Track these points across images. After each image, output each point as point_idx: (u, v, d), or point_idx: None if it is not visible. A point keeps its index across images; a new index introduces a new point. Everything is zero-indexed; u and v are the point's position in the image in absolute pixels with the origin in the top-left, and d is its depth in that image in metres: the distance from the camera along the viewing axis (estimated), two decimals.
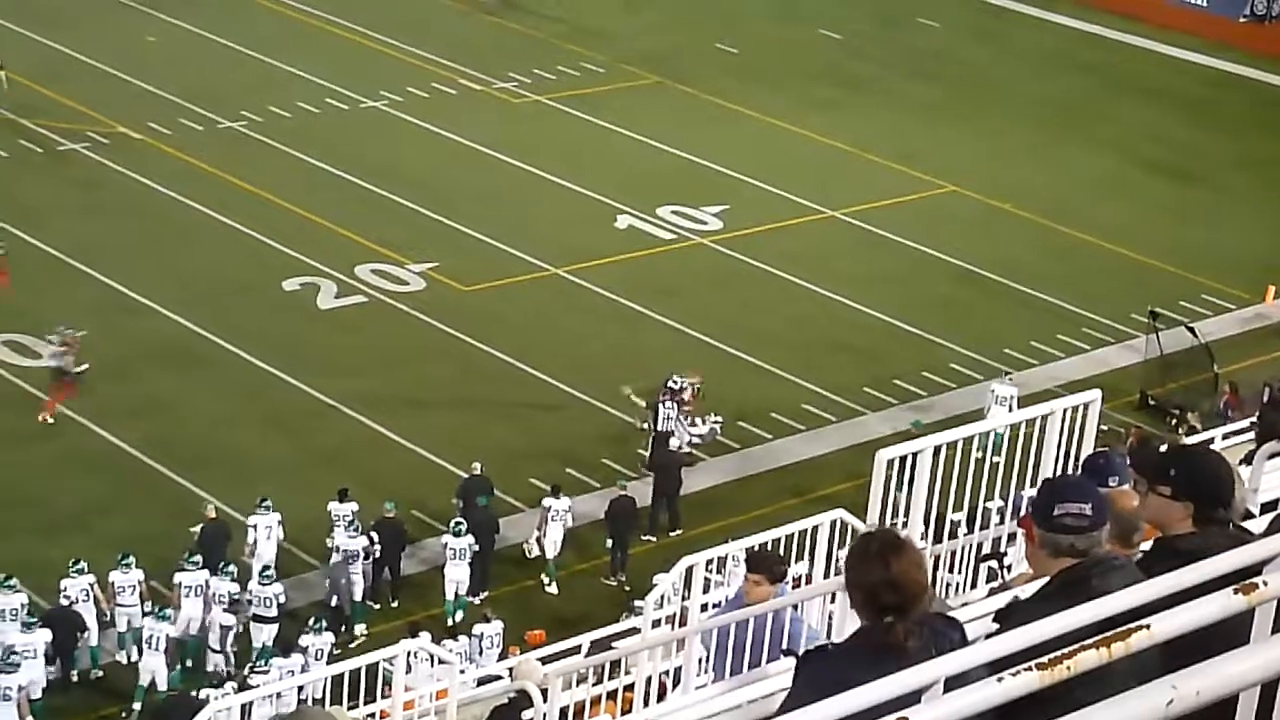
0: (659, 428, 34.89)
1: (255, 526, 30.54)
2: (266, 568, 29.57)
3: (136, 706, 28.26)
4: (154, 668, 28.27)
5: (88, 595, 28.53)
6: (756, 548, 13.15)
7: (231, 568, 29.43)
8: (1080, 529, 7.10)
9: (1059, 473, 11.64)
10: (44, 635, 27.41)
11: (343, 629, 29.95)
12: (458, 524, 31.17)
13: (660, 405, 35.04)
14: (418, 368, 38.33)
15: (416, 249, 43.21)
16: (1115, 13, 64.63)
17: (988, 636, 6.99)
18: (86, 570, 28.73)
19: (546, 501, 32.16)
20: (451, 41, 57.41)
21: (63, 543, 30.93)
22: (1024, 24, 64.46)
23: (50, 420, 35.36)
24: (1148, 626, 5.39)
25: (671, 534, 33.46)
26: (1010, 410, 32.48)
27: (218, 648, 28.82)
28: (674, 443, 34.71)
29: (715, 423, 35.83)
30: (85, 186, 45.68)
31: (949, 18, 64.05)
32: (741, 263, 44.08)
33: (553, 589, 31.93)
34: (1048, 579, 7.11)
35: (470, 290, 41.54)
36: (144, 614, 28.56)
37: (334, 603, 30.24)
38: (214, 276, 41.27)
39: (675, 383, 35.56)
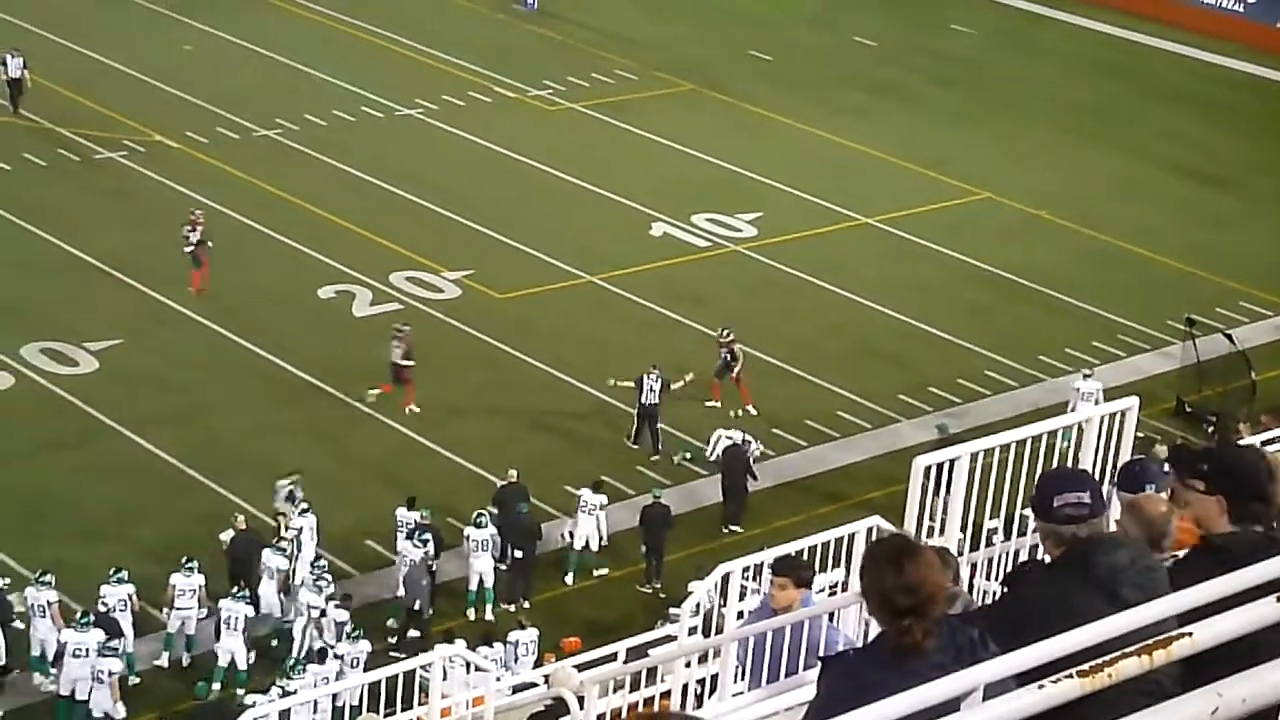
0: (643, 400, 35.75)
1: (300, 530, 30.65)
2: (318, 562, 29.89)
3: (216, 686, 28.56)
4: (233, 648, 28.68)
5: (125, 605, 28.65)
6: (792, 554, 13.13)
7: (246, 593, 29.55)
8: (1080, 518, 7.17)
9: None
10: (97, 635, 27.53)
11: (416, 631, 30.04)
12: (479, 516, 31.39)
13: (644, 377, 35.76)
14: (453, 375, 38.37)
15: (452, 257, 43.28)
16: (1150, 18, 64.46)
17: (994, 604, 7.00)
18: (126, 579, 28.84)
19: (581, 491, 32.38)
20: (487, 49, 57.50)
21: (98, 548, 31.07)
22: (1058, 30, 64.34)
23: (416, 409, 36.51)
24: (1190, 634, 5.38)
25: (729, 529, 33.69)
26: (1095, 405, 32.52)
27: (330, 642, 29.01)
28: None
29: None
30: (122, 195, 45.85)
31: (982, 24, 63.97)
32: (776, 270, 44.07)
33: (568, 580, 32.12)
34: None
35: (505, 298, 41.59)
36: (233, 598, 28.91)
37: (416, 606, 30.24)
38: (249, 284, 41.37)
39: (653, 374, 35.94)
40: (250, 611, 28.97)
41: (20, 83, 49.68)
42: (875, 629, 11.44)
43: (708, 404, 37.30)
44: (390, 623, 29.94)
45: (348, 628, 28.63)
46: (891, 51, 60.43)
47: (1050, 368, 39.93)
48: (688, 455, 35.59)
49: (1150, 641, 5.35)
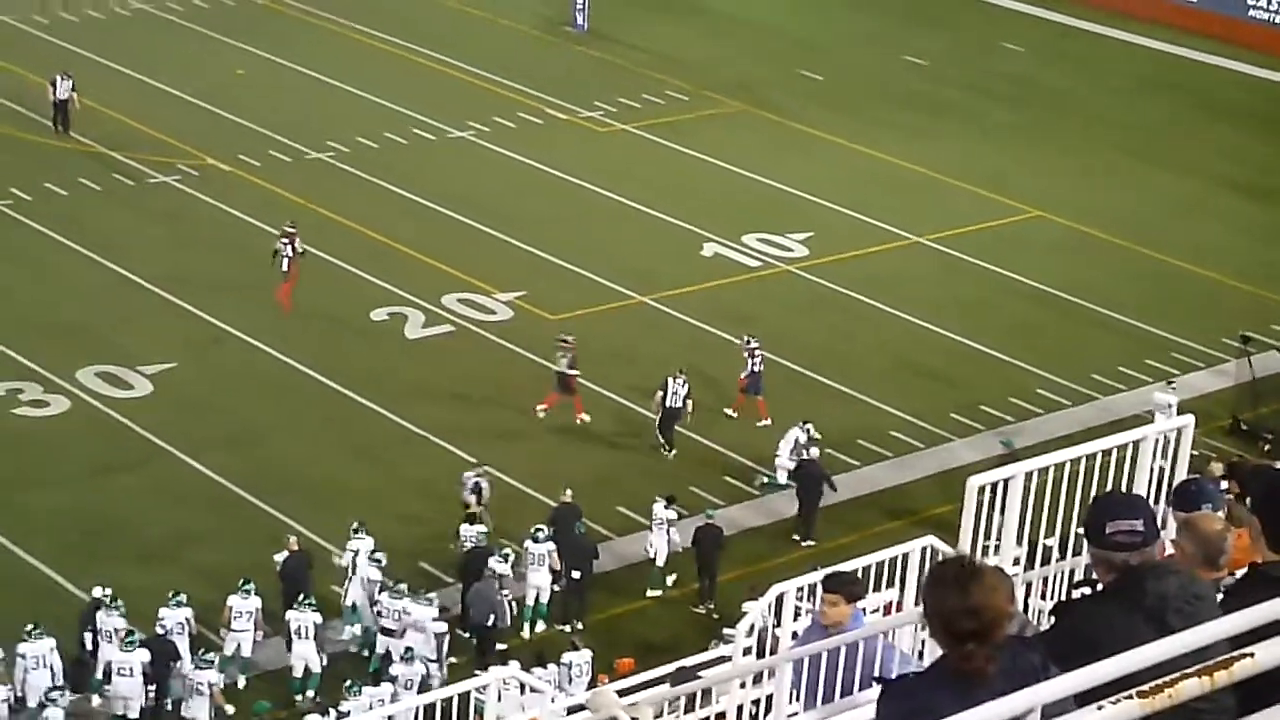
0: (667, 404, 36.10)
1: (357, 552, 30.76)
2: (398, 581, 30.03)
3: (298, 699, 28.81)
4: (305, 655, 29.02)
5: (183, 628, 28.79)
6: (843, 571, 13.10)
7: (311, 600, 29.74)
8: (1133, 545, 7.12)
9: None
10: (141, 655, 27.84)
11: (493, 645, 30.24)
12: (537, 530, 31.54)
13: (669, 380, 36.17)
14: (505, 396, 38.42)
15: (503, 278, 43.36)
16: (1205, 35, 64.19)
17: (1044, 633, 6.97)
18: (185, 603, 28.96)
19: (654, 508, 32.58)
20: (538, 71, 57.62)
21: (155, 571, 31.23)
22: (1109, 47, 64.11)
23: (586, 419, 37.37)
24: (1252, 654, 5.36)
25: (804, 544, 33.72)
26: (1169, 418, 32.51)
27: (433, 657, 29.18)
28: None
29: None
30: (175, 218, 46.08)
31: (1034, 42, 63.78)
32: (827, 289, 44.03)
33: (654, 592, 32.27)
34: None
35: (557, 319, 41.62)
36: (301, 604, 29.29)
37: (490, 622, 30.28)
38: (302, 307, 41.50)
39: (678, 378, 36.35)
40: (318, 619, 29.23)
41: (67, 105, 49.97)
42: (932, 648, 11.41)
43: (758, 424, 37.28)
44: (403, 651, 29.73)
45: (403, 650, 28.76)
46: (942, 70, 60.33)
47: (1103, 386, 39.79)
48: (766, 479, 35.42)
49: (1212, 662, 5.33)
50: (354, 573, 30.63)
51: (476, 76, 57.06)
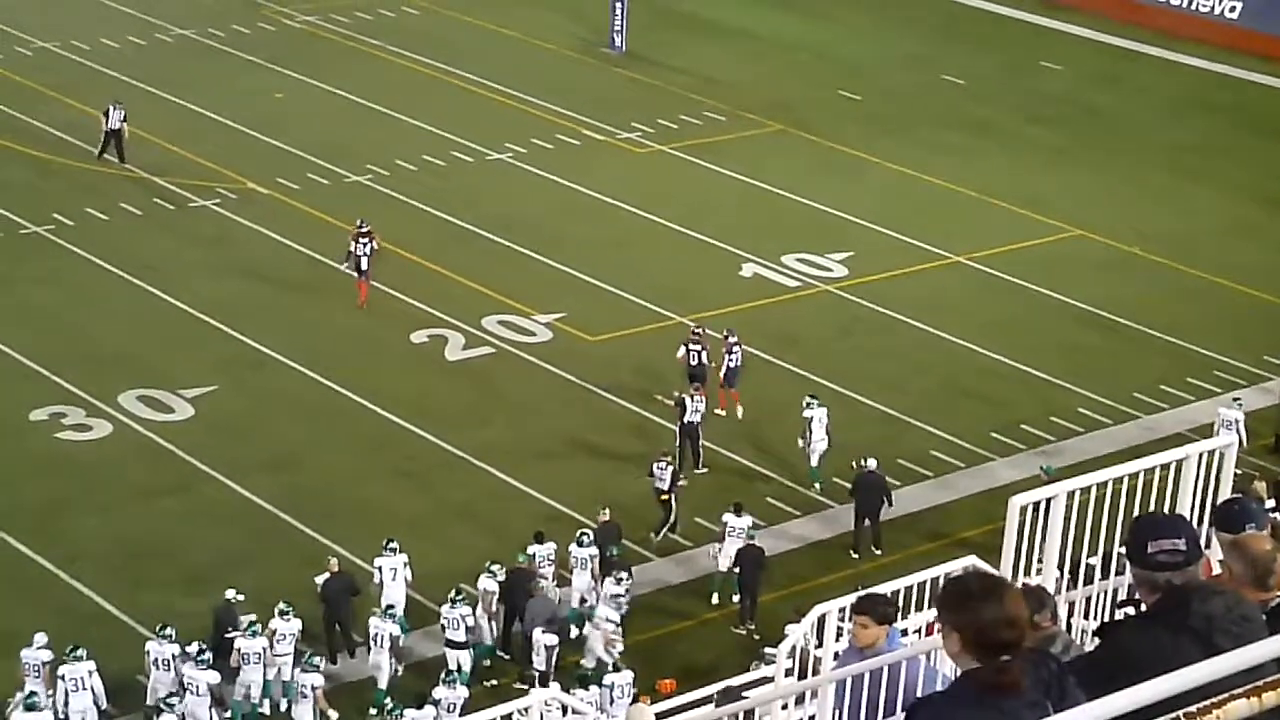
0: (686, 419, 36.25)
1: (380, 569, 30.82)
2: (458, 591, 30.16)
3: (373, 712, 28.91)
4: (380, 664, 29.25)
5: (259, 657, 28.80)
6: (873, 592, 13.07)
7: (394, 611, 30.15)
8: (1175, 565, 7.08)
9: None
10: (210, 675, 28.07)
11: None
12: (583, 533, 31.84)
13: (689, 398, 36.42)
14: (546, 418, 38.45)
15: (543, 300, 43.41)
16: (1245, 52, 64.00)
17: (1089, 654, 6.93)
18: (260, 634, 28.99)
19: (725, 517, 32.59)
20: (575, 92, 57.72)
21: (199, 595, 31.27)
22: (1150, 66, 63.99)
23: (730, 413, 38.08)
24: None
25: (875, 552, 33.81)
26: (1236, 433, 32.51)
27: (543, 668, 29.46)
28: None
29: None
30: (215, 242, 46.24)
31: (1074, 61, 63.71)
32: (867, 309, 43.98)
33: (714, 600, 32.28)
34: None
35: (597, 340, 41.66)
36: (381, 615, 29.64)
37: (555, 633, 30.34)
38: (343, 329, 41.64)
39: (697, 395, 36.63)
40: (396, 629, 29.42)
41: (120, 133, 50.20)
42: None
43: (718, 411, 38.05)
44: (443, 674, 29.76)
45: (442, 674, 28.80)
46: (982, 90, 60.27)
47: (1145, 405, 39.65)
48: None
49: (1262, 683, 5.30)
50: (385, 590, 30.70)
51: (514, 99, 57.17)
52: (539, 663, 29.57)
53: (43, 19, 62.38)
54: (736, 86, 59.07)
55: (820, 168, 52.81)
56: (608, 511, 32.88)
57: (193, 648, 28.40)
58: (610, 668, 29.25)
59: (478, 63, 60.00)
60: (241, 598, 29.96)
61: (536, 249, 46.07)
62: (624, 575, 30.91)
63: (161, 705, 27.56)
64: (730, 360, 38.43)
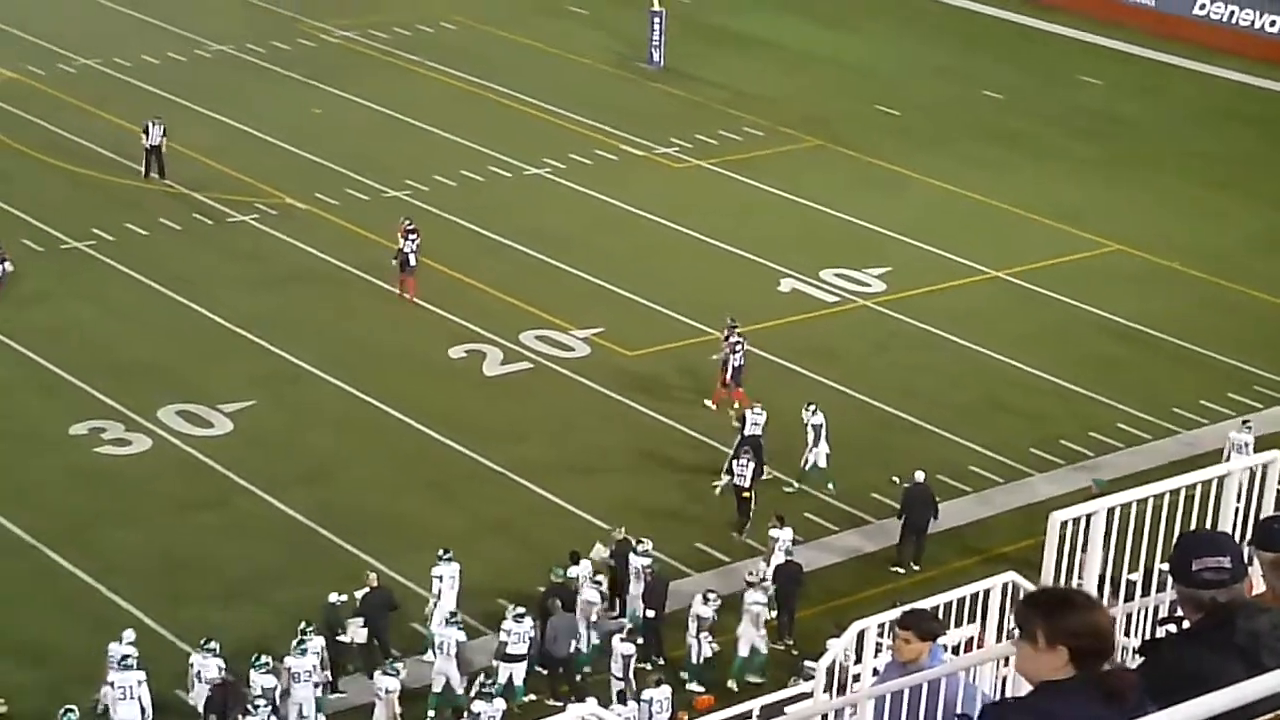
0: (747, 431, 36.17)
1: (440, 577, 30.90)
2: (520, 605, 30.26)
3: (431, 714, 29.15)
4: (446, 671, 29.41)
5: (309, 675, 28.83)
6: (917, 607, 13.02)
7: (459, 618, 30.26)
8: (1220, 582, 7.04)
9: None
10: (312, 661, 28.72)
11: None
12: (639, 540, 32.22)
13: (749, 411, 36.49)
14: (583, 433, 38.47)
15: (581, 314, 43.44)
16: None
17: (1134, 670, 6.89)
18: (310, 651, 29.05)
19: (772, 531, 32.69)
20: (613, 107, 57.78)
21: (237, 609, 31.38)
22: (1187, 79, 63.83)
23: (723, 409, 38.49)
24: None
25: (914, 568, 33.82)
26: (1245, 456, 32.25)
27: (620, 675, 29.65)
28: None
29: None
30: (254, 257, 46.37)
31: (1111, 75, 63.57)
32: (905, 324, 43.92)
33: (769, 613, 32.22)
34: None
35: (635, 355, 41.66)
36: (444, 622, 29.89)
37: (571, 651, 30.57)
38: (381, 345, 41.73)
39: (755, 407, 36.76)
40: (462, 636, 29.57)
41: (160, 149, 50.37)
42: (1013, 686, 11.31)
43: (707, 404, 39.05)
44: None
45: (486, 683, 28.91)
46: (1019, 104, 60.19)
47: (1185, 420, 39.51)
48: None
49: None
50: (439, 599, 30.79)
51: (553, 114, 57.25)
52: (616, 670, 29.71)
53: (85, 36, 62.69)
54: (774, 101, 59.07)
55: (858, 182, 52.77)
56: (622, 530, 32.86)
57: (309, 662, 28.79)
58: (700, 670, 29.26)
59: (515, 78, 60.10)
60: (344, 598, 30.31)
61: (574, 264, 46.11)
62: (713, 594, 31.02)
63: (249, 709, 27.77)
64: (734, 358, 38.96)
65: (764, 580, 32.18)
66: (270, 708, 28.08)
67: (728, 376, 39.16)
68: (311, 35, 64.40)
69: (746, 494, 34.80)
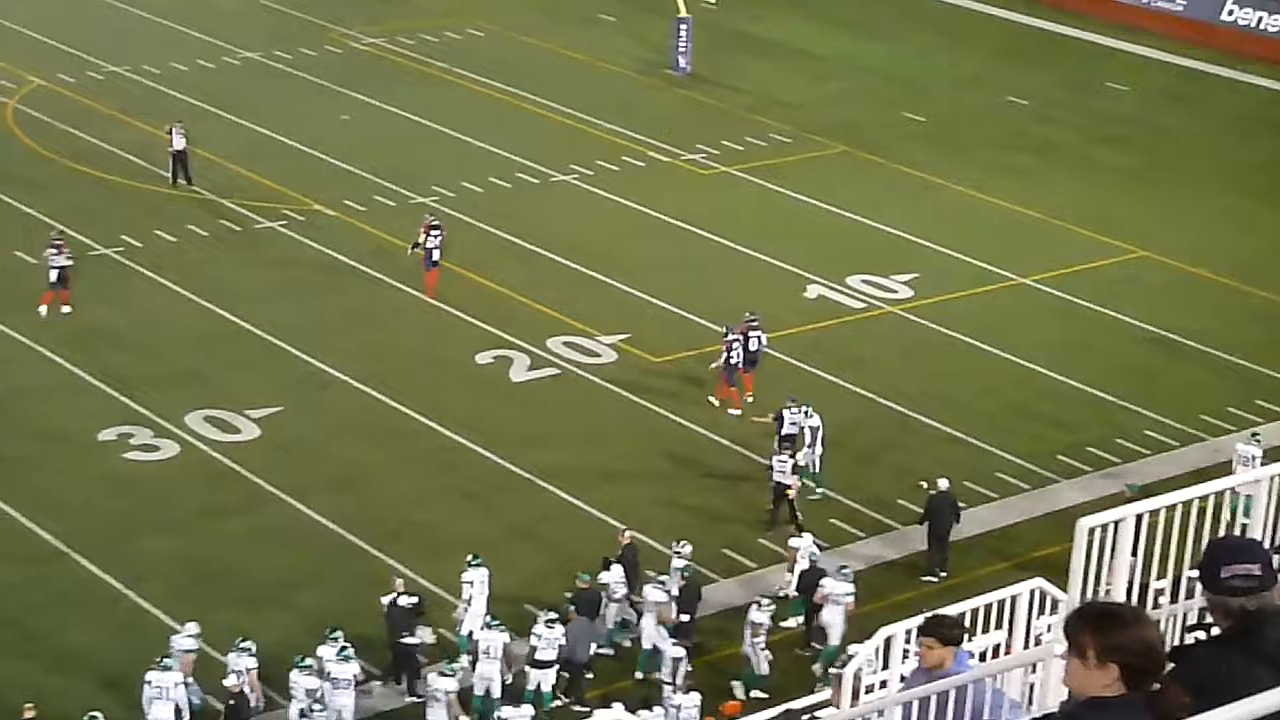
0: (782, 431, 36.36)
1: (471, 582, 30.94)
2: (552, 611, 30.31)
3: None
4: (489, 675, 29.44)
5: (349, 683, 28.86)
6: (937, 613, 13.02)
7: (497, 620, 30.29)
8: (1250, 590, 7.01)
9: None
10: (353, 668, 28.81)
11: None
12: (681, 541, 32.29)
13: (786, 410, 36.60)
14: (610, 439, 38.48)
15: (607, 321, 43.46)
16: None
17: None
18: (353, 658, 29.10)
19: (792, 541, 32.78)
20: (640, 114, 57.81)
21: (263, 614, 31.41)
22: (1217, 87, 63.65)
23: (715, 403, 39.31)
24: None
25: (940, 575, 33.81)
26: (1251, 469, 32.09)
27: (669, 680, 29.64)
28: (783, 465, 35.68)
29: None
30: (282, 264, 46.45)
31: (1139, 82, 63.45)
32: (932, 331, 43.86)
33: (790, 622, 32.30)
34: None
35: (661, 361, 41.66)
36: (484, 625, 29.95)
37: (588, 657, 30.63)
38: (408, 351, 41.79)
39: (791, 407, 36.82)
40: (506, 638, 29.63)
41: (184, 155, 50.50)
42: (1040, 692, 11.30)
43: (712, 399, 39.49)
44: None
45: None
46: (1047, 110, 60.10)
47: (1213, 428, 39.39)
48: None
49: None
50: (470, 604, 30.83)
51: (579, 120, 57.29)
52: (665, 674, 29.69)
53: (113, 43, 62.89)
54: (801, 108, 59.06)
55: (885, 189, 52.72)
56: (629, 534, 32.85)
57: (328, 649, 28.84)
58: (681, 689, 29.20)
59: (543, 85, 60.15)
60: (415, 599, 30.43)
61: (601, 270, 46.13)
62: (766, 599, 31.04)
63: (305, 710, 27.95)
64: (728, 355, 39.29)
65: (792, 591, 32.17)
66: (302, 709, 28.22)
67: (727, 373, 39.51)
68: (340, 42, 64.51)
69: (788, 490, 34.82)
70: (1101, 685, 6.42)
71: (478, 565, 31.21)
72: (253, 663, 28.88)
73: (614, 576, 31.73)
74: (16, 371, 40.40)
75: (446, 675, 28.80)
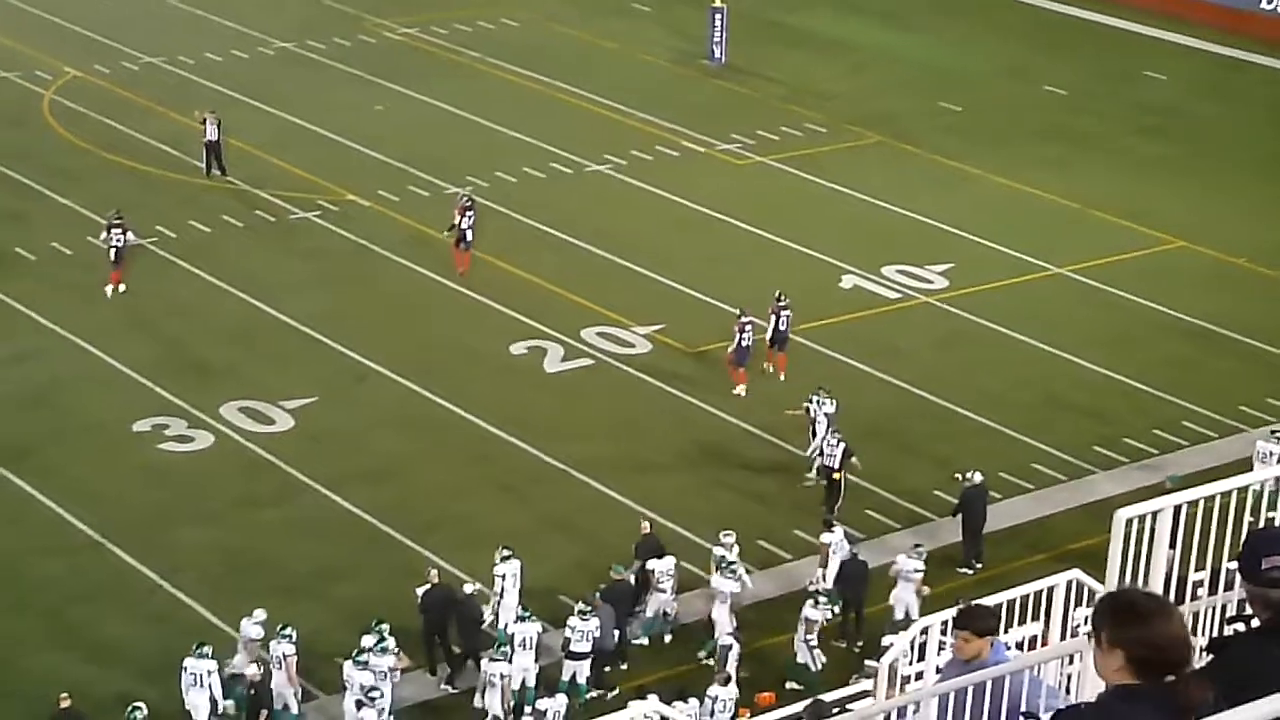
0: (815, 421, 36.65)
1: (504, 575, 30.93)
2: (586, 602, 30.30)
3: (528, 711, 29.12)
4: (526, 666, 29.48)
5: (387, 675, 28.88)
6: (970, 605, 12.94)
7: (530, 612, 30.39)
8: None
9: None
10: (388, 660, 28.64)
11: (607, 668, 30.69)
12: (725, 532, 32.11)
13: (817, 398, 36.76)
14: (644, 430, 38.44)
15: (642, 311, 43.41)
16: None
17: (1202, 668, 6.81)
18: (392, 650, 29.10)
19: (824, 536, 32.68)
20: (675, 104, 57.74)
21: (298, 605, 31.43)
22: (1256, 76, 63.33)
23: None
24: None
25: (976, 566, 33.79)
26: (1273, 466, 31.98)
27: (813, 642, 30.09)
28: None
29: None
30: (316, 255, 46.51)
31: (1178, 71, 63.15)
32: (968, 321, 43.73)
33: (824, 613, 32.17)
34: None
35: (696, 352, 41.60)
36: (517, 618, 29.97)
37: (612, 644, 30.69)
38: (442, 341, 41.80)
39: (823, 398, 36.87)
40: (539, 628, 29.68)
41: (217, 145, 50.58)
42: (1079, 682, 11.22)
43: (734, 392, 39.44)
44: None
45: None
46: (1083, 100, 59.86)
47: (1252, 419, 39.18)
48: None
49: None
50: (503, 597, 30.82)
51: (614, 110, 57.25)
52: (720, 667, 29.65)
53: (148, 34, 63.03)
54: (836, 98, 58.94)
55: (920, 179, 52.58)
56: (648, 525, 32.77)
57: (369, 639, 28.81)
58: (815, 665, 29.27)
59: (577, 75, 60.12)
60: (477, 587, 30.52)
61: (636, 261, 46.08)
62: (823, 598, 31.07)
63: (364, 700, 27.97)
64: (741, 338, 39.47)
65: (823, 585, 32.11)
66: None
67: (736, 355, 39.73)
68: (374, 32, 64.55)
69: (837, 475, 34.89)
70: (1111, 670, 6.44)
71: (508, 558, 31.18)
72: (291, 649, 28.88)
73: (664, 566, 31.67)
74: (52, 362, 40.49)
75: (498, 660, 28.90)
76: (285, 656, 28.85)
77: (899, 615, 30.98)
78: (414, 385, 39.73)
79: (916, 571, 31.42)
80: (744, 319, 39.59)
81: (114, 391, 39.24)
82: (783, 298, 40.38)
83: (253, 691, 28.52)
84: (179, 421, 38.01)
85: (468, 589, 30.84)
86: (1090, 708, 6.61)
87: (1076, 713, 6.66)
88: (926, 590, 31.24)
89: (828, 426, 36.20)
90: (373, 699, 27.97)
